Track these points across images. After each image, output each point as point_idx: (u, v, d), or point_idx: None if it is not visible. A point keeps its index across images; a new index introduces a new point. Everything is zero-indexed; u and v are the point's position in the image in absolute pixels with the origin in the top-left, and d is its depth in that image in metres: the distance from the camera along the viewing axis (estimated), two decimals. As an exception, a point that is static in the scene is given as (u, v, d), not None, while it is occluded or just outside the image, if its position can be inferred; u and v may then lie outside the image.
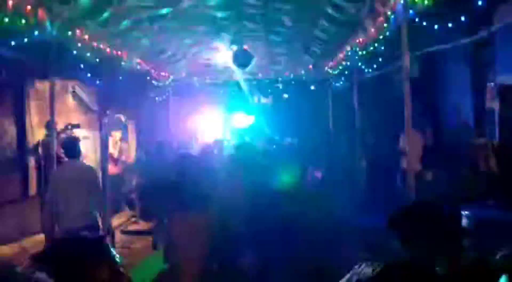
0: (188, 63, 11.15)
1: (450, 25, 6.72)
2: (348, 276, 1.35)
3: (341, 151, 10.01)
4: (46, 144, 8.53)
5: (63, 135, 8.75)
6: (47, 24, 5.90)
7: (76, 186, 5.79)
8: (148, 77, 10.84)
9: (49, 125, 8.62)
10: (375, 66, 9.47)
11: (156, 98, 12.88)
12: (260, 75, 13.04)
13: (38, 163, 8.97)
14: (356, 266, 1.36)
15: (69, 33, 6.52)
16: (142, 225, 10.10)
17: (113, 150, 11.12)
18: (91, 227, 5.67)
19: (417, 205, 2.58)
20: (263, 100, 15.03)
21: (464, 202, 5.64)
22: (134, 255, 8.34)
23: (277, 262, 5.02)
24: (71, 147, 6.16)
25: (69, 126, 9.62)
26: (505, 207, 5.62)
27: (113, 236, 8.86)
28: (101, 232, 5.86)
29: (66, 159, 6.34)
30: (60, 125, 8.80)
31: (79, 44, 6.87)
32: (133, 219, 10.42)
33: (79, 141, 6.78)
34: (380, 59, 8.95)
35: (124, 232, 9.78)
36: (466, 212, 5.53)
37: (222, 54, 9.81)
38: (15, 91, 8.89)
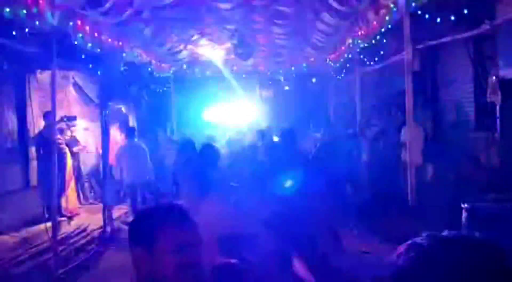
0: (189, 55, 11.13)
1: (452, 18, 6.70)
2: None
3: (342, 144, 9.99)
4: (45, 134, 8.54)
5: (59, 126, 8.78)
6: (48, 14, 5.89)
7: (134, 157, 9.26)
8: (149, 69, 10.83)
9: (47, 116, 8.63)
10: (376, 59, 9.45)
11: (158, 89, 12.88)
12: (261, 67, 13.02)
13: (39, 153, 8.98)
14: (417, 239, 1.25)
15: (70, 23, 6.51)
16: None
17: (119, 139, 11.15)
18: (145, 183, 9.63)
19: None
20: (264, 92, 15.01)
21: (465, 195, 5.64)
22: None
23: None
24: (131, 131, 9.89)
25: (65, 118, 9.63)
26: (505, 201, 5.62)
27: (113, 228, 8.90)
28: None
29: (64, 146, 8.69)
30: (58, 116, 8.80)
31: (80, 35, 6.86)
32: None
33: (135, 128, 10.60)
34: (381, 52, 8.94)
35: (124, 223, 9.79)
36: (466, 205, 5.55)
37: (224, 45, 9.80)
38: (17, 81, 8.88)
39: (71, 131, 9.85)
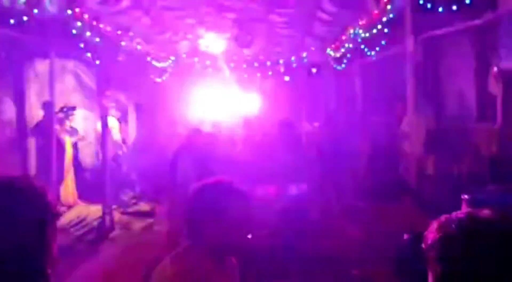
0: (189, 44, 11.06)
1: (454, 8, 6.63)
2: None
3: (343, 135, 9.97)
4: (44, 124, 8.51)
5: (58, 116, 8.76)
6: (47, 2, 5.84)
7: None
8: (148, 58, 10.77)
9: (46, 106, 8.58)
10: (378, 49, 9.38)
11: (156, 79, 12.81)
12: (261, 57, 12.95)
13: (38, 143, 8.95)
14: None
15: (69, 12, 6.45)
16: (141, 207, 10.12)
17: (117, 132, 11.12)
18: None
19: None
20: (264, 83, 14.92)
21: (466, 186, 5.62)
22: (133, 236, 8.38)
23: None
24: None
25: (65, 109, 9.59)
26: (506, 192, 5.60)
27: (112, 218, 8.89)
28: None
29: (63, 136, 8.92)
30: (58, 106, 8.75)
31: (79, 23, 6.80)
32: (133, 201, 10.43)
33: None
34: (383, 42, 8.87)
35: (123, 213, 9.80)
36: (467, 197, 5.52)
37: (223, 34, 9.74)
38: (15, 71, 8.82)
39: (70, 121, 9.82)
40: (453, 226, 1.23)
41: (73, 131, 9.85)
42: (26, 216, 1.23)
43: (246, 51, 10.88)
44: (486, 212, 1.24)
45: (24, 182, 1.40)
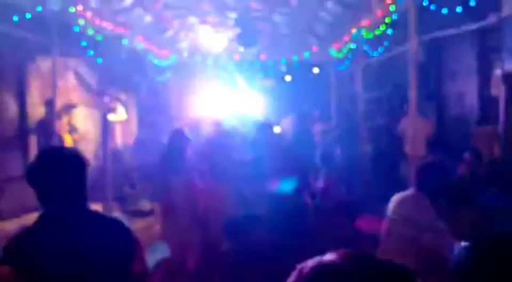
0: (190, 43, 11.04)
1: (458, 9, 6.62)
2: None
3: (344, 136, 9.95)
4: (45, 122, 8.49)
5: (59, 114, 8.74)
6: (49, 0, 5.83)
7: None
8: (149, 56, 10.75)
9: (48, 104, 8.56)
10: (381, 50, 9.36)
11: (158, 77, 12.79)
12: (263, 56, 12.91)
13: (39, 141, 8.94)
14: None
15: (72, 9, 6.44)
16: (142, 205, 10.10)
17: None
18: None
19: None
20: (265, 83, 14.90)
21: (468, 189, 5.61)
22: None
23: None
24: None
25: (65, 106, 9.56)
26: (507, 195, 5.60)
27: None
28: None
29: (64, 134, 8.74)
30: (59, 104, 8.73)
31: (81, 21, 6.79)
32: (133, 199, 10.41)
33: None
34: (386, 43, 8.85)
35: (124, 212, 9.78)
36: (469, 199, 5.51)
37: (226, 34, 9.72)
38: (17, 68, 8.80)
39: (70, 119, 9.80)
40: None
41: (73, 129, 9.83)
42: (80, 166, 2.64)
43: (248, 51, 10.85)
44: (332, 256, 1.21)
45: (74, 150, 2.90)
